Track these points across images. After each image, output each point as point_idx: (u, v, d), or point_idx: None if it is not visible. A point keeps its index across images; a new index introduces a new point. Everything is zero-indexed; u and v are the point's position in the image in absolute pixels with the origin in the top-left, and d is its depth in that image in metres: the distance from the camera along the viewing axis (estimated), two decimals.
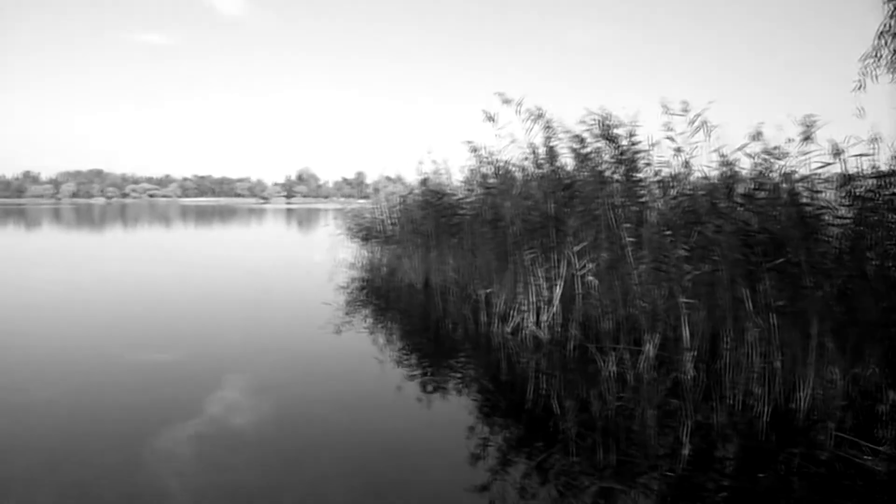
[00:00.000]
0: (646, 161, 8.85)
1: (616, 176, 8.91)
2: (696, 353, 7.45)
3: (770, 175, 7.31)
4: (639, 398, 6.90)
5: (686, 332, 7.47)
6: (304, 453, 5.57)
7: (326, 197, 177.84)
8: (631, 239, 8.30)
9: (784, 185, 7.01)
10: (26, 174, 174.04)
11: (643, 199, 8.80)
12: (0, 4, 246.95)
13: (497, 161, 11.53)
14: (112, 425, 6.16)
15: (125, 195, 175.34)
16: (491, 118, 10.59)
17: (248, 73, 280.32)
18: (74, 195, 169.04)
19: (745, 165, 7.85)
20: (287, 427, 6.22)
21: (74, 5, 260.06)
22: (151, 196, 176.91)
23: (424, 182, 15.71)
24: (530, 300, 9.92)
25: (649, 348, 7.86)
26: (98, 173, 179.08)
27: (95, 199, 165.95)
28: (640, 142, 8.79)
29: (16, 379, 7.62)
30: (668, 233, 7.77)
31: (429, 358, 9.25)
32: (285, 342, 9.77)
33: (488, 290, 11.12)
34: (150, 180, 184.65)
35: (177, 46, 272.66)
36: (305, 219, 64.71)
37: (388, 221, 17.62)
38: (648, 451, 5.64)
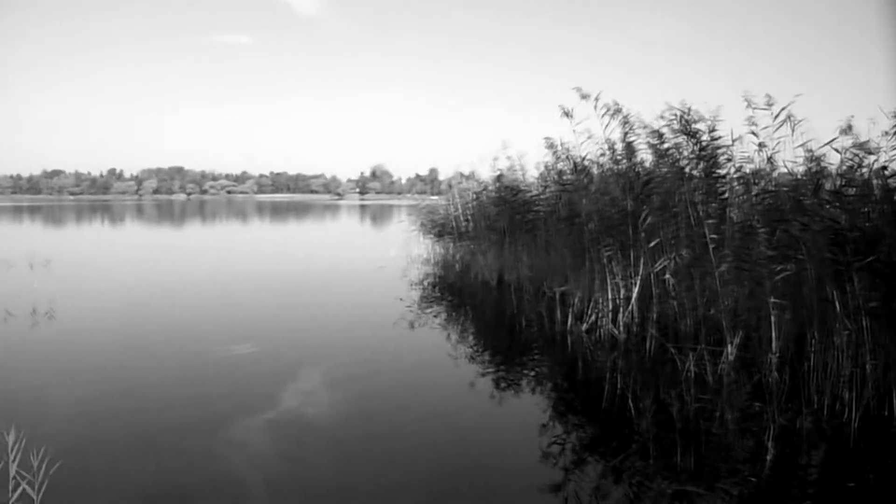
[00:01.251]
0: (727, 157, 8.59)
1: (696, 172, 8.68)
2: (780, 355, 7.19)
3: (860, 170, 6.98)
4: (719, 400, 6.73)
5: (771, 333, 7.22)
6: (377, 447, 5.67)
7: (399, 193, 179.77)
8: (711, 236, 8.07)
9: (876, 181, 6.68)
10: (111, 171, 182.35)
11: (724, 196, 8.55)
12: (92, 8, 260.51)
13: (573, 157, 11.42)
14: (192, 414, 6.41)
15: (204, 191, 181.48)
16: (567, 113, 10.49)
17: (321, 71, 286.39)
18: (156, 191, 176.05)
19: (832, 161, 7.54)
20: (360, 420, 6.35)
21: (161, 9, 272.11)
22: (229, 192, 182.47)
23: (499, 178, 15.69)
24: (607, 298, 9.80)
25: (730, 349, 7.65)
26: (178, 170, 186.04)
27: (176, 196, 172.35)
28: (721, 137, 8.54)
29: (103, 370, 8.05)
30: (761, 230, 7.49)
31: (502, 355, 9.27)
32: (359, 337, 9.97)
33: (564, 288, 11.04)
34: (227, 177, 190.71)
35: (255, 46, 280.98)
36: (379, 215, 65.67)
37: (462, 218, 17.68)
38: (729, 454, 5.50)
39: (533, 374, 8.17)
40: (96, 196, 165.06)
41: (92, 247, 28.25)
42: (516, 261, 14.32)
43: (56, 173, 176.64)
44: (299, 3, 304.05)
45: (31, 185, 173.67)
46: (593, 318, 9.91)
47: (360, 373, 7.97)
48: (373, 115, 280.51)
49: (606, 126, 10.08)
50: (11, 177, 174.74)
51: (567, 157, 11.66)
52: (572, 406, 6.96)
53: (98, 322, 10.88)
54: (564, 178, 11.79)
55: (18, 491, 4.01)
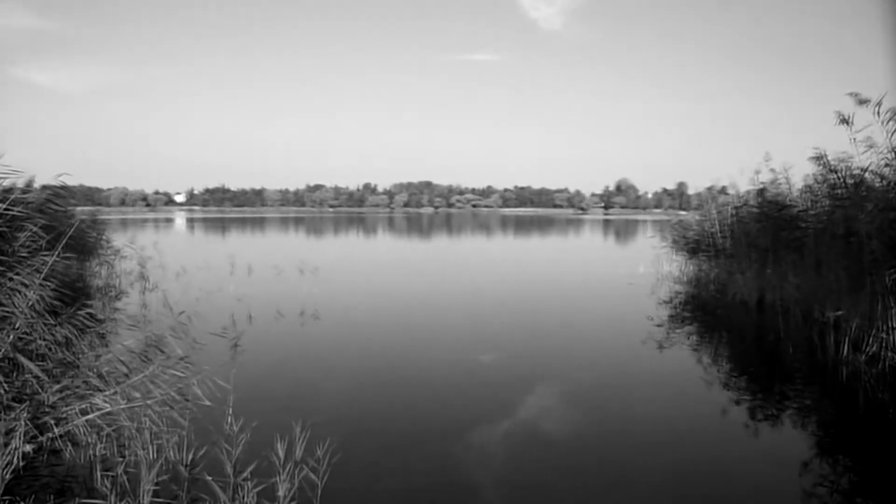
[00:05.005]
0: None
1: None
2: None
3: None
4: None
5: None
6: (613, 469, 5.54)
7: (645, 208, 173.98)
8: None
9: None
10: (366, 186, 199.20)
11: None
12: (350, 46, 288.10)
13: (850, 168, 10.27)
14: (438, 416, 6.84)
15: (451, 205, 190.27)
16: (846, 120, 9.49)
17: (565, 84, 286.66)
18: (406, 205, 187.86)
19: None
20: (597, 439, 6.27)
21: (414, 34, 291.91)
22: (474, 206, 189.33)
23: (762, 192, 14.63)
24: (891, 326, 8.62)
25: None
26: (427, 184, 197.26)
27: (424, 209, 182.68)
28: None
29: (362, 370, 8.84)
30: None
31: (760, 382, 8.60)
32: (603, 353, 9.88)
33: (838, 313, 9.91)
34: (473, 191, 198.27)
35: (503, 63, 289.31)
36: (624, 230, 64.11)
37: (719, 234, 16.73)
38: None
39: (795, 405, 7.47)
40: (352, 209, 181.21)
41: (352, 255, 31.23)
42: (780, 281, 13.16)
43: (318, 188, 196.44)
44: (545, 19, 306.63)
45: (296, 199, 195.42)
46: (874, 347, 8.76)
47: (602, 391, 7.90)
48: (618, 127, 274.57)
49: (892, 133, 8.92)
50: (280, 191, 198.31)
51: (841, 169, 10.51)
52: (843, 445, 6.25)
53: (357, 324, 12.05)
54: (838, 191, 10.62)
55: (301, 474, 4.54)
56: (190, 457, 4.86)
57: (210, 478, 4.39)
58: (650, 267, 20.51)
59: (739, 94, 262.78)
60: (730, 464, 5.70)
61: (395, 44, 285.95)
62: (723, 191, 18.10)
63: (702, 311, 14.15)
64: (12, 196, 6.14)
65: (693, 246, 18.44)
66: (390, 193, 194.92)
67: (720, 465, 5.67)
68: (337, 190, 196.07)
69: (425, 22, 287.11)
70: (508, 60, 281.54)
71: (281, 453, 4.27)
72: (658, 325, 11.82)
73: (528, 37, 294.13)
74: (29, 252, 6.20)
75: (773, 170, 14.80)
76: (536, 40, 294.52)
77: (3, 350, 5.00)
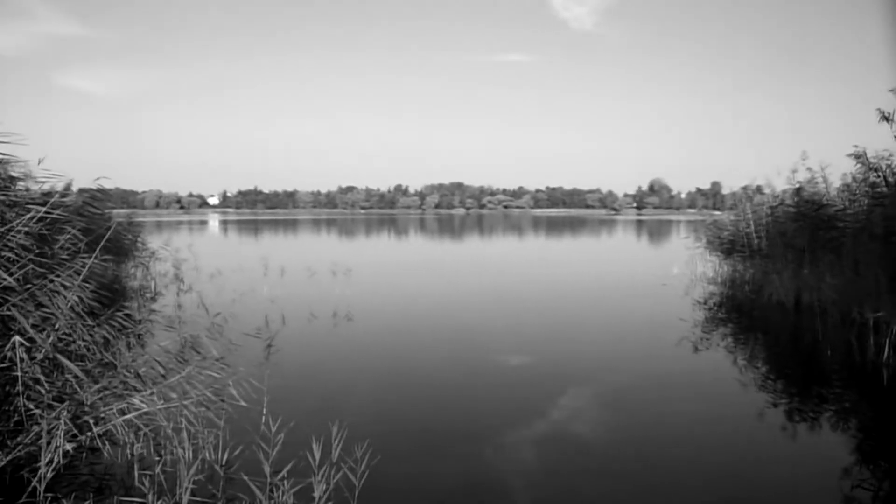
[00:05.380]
0: None
1: None
2: None
3: None
4: None
5: None
6: (646, 473, 5.47)
7: (678, 208, 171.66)
8: None
9: None
10: (397, 188, 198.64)
11: None
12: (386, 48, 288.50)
13: (891, 166, 10.03)
14: (469, 419, 6.81)
15: (482, 206, 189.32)
16: (888, 117, 9.28)
17: (597, 84, 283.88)
18: (437, 206, 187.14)
19: None
20: (630, 443, 6.19)
21: (445, 30, 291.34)
22: (506, 207, 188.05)
23: (798, 192, 14.36)
24: None
25: None
26: (458, 186, 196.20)
27: (455, 210, 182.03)
28: None
29: (395, 371, 8.87)
30: None
31: (797, 385, 8.44)
32: (636, 355, 9.77)
33: (878, 314, 9.69)
34: (504, 192, 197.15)
35: (533, 64, 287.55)
36: (657, 231, 63.27)
37: (754, 234, 16.46)
38: None
39: (834, 408, 7.31)
40: (384, 210, 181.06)
41: (384, 257, 31.30)
42: (818, 282, 12.90)
43: (349, 189, 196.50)
44: (575, 19, 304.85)
45: (328, 200, 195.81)
46: None
47: (635, 393, 7.81)
48: (651, 128, 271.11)
49: None
50: (312, 193, 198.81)
51: (882, 168, 10.27)
52: (885, 449, 6.10)
53: (390, 326, 12.09)
54: (878, 190, 10.39)
55: (338, 475, 4.57)
56: (226, 456, 4.94)
57: (246, 477, 4.45)
58: (684, 268, 20.25)
59: (776, 94, 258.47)
60: (767, 467, 5.60)
61: (426, 46, 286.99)
62: (758, 190, 17.82)
63: (737, 312, 13.94)
64: (52, 199, 6.27)
65: (728, 246, 18.15)
66: (422, 195, 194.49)
67: (757, 469, 5.56)
68: (368, 191, 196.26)
69: (459, 24, 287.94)
70: (540, 61, 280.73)
71: (317, 454, 4.30)
72: (693, 327, 11.66)
73: (559, 37, 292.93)
74: (68, 254, 6.34)
75: (809, 169, 14.56)
76: (567, 40, 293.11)
77: (44, 350, 5.12)
